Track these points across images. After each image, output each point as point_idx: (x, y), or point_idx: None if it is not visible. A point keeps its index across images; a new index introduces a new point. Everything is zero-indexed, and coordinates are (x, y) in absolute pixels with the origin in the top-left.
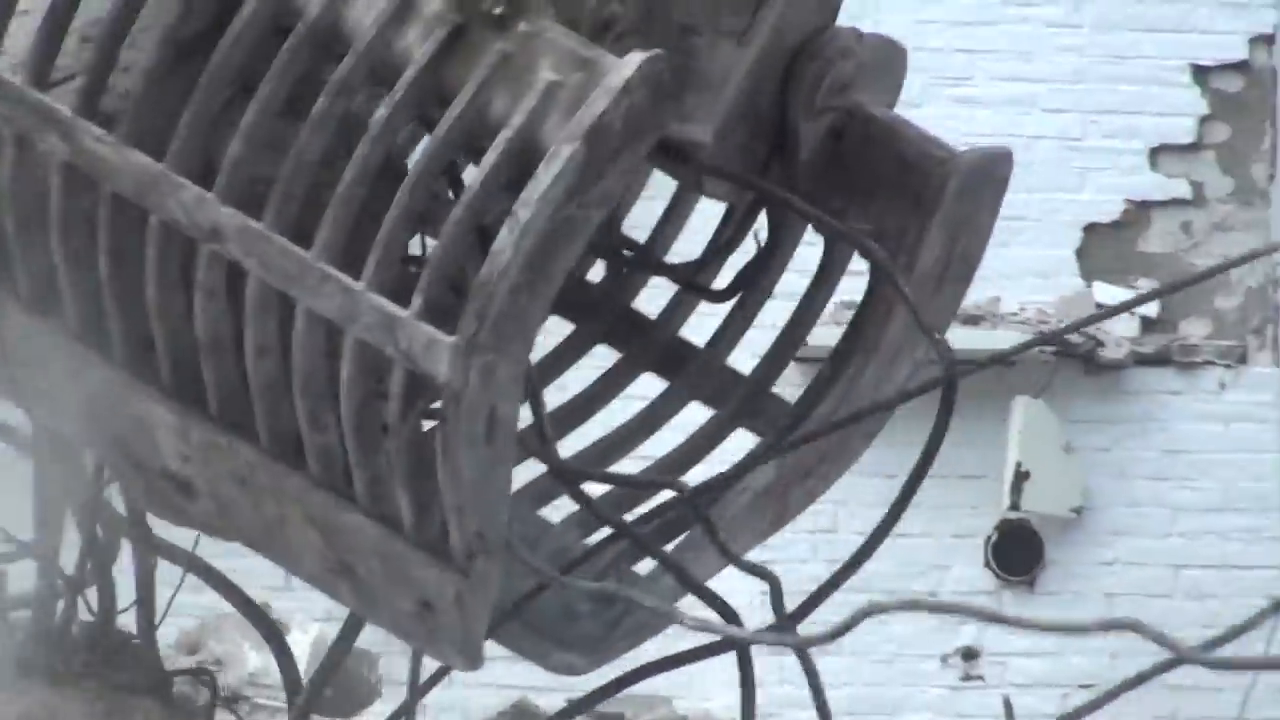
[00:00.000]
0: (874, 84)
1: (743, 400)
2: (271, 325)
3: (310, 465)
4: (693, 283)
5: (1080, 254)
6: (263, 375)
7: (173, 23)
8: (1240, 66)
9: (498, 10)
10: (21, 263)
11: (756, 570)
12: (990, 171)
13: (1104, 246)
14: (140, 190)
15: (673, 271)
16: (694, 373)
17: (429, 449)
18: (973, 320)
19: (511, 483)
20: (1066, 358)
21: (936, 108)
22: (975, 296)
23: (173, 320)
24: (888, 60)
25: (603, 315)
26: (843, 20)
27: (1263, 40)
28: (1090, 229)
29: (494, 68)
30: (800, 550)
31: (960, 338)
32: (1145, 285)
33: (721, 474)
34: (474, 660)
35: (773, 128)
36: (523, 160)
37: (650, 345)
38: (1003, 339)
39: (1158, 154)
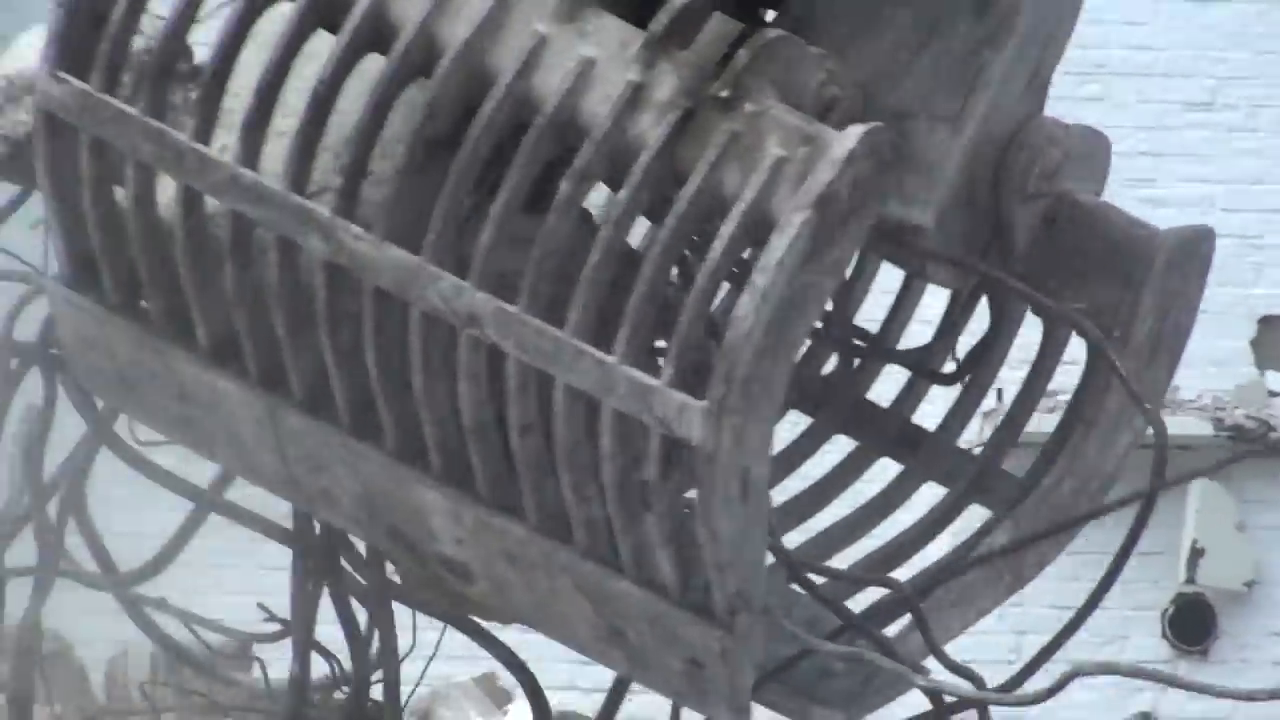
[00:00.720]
0: (1080, 172)
1: (974, 478)
2: (531, 404)
3: (577, 537)
4: (924, 368)
5: (1255, 344)
6: (527, 453)
7: (419, 125)
8: None
9: (725, 94)
10: (294, 365)
11: (960, 670)
12: (1195, 247)
13: (1277, 337)
14: (400, 283)
15: (904, 357)
16: (927, 454)
17: (688, 513)
18: None
19: (766, 543)
20: (1241, 440)
21: (1123, 207)
22: None
23: (438, 406)
24: (1092, 150)
25: (838, 406)
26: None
27: None
28: (1265, 321)
29: (724, 147)
30: (988, 621)
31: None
32: None
33: (936, 565)
34: (743, 713)
35: (989, 215)
36: (756, 232)
37: (885, 431)
38: (1181, 423)
39: None
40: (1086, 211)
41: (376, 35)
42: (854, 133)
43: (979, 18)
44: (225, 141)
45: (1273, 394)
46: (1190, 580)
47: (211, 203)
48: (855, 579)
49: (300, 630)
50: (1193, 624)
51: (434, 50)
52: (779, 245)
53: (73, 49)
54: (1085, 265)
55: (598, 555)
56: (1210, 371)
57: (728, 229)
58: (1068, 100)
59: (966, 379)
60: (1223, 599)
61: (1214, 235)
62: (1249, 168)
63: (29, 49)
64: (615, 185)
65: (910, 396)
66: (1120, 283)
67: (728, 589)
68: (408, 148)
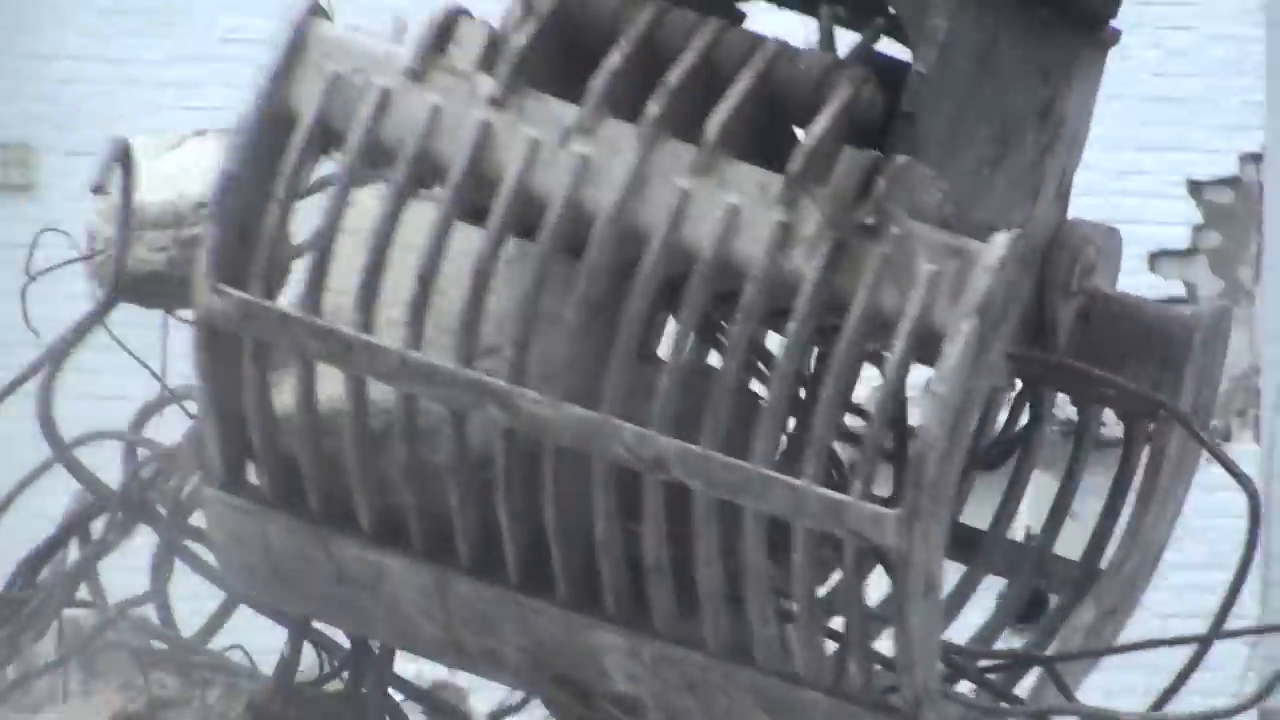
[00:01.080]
0: (1104, 268)
1: (1034, 566)
2: (716, 537)
3: (759, 657)
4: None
5: None
6: (710, 583)
7: (583, 289)
8: (1231, 181)
9: (870, 220)
10: (462, 533)
11: (1099, 715)
12: (1222, 326)
13: None
14: (583, 438)
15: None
16: (986, 550)
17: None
18: None
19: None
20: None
21: None
22: None
23: (616, 550)
24: (1114, 246)
25: None
26: None
27: (1251, 158)
28: None
29: (879, 270)
30: None
31: None
32: None
33: (1070, 651)
34: None
35: (1034, 314)
36: (922, 346)
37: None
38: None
39: (1156, 259)
40: (1118, 303)
41: (524, 209)
42: (1001, 240)
43: (1042, 126)
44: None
45: None
46: None
47: (374, 390)
48: (1012, 657)
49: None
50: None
51: (582, 218)
52: (952, 353)
53: (229, 262)
54: (1123, 353)
55: (778, 671)
56: None
57: (900, 344)
58: None
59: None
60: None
61: (1229, 311)
62: (1081, 180)
63: (146, 175)
64: (772, 324)
65: (957, 499)
66: (1158, 365)
67: (917, 684)
68: (574, 311)
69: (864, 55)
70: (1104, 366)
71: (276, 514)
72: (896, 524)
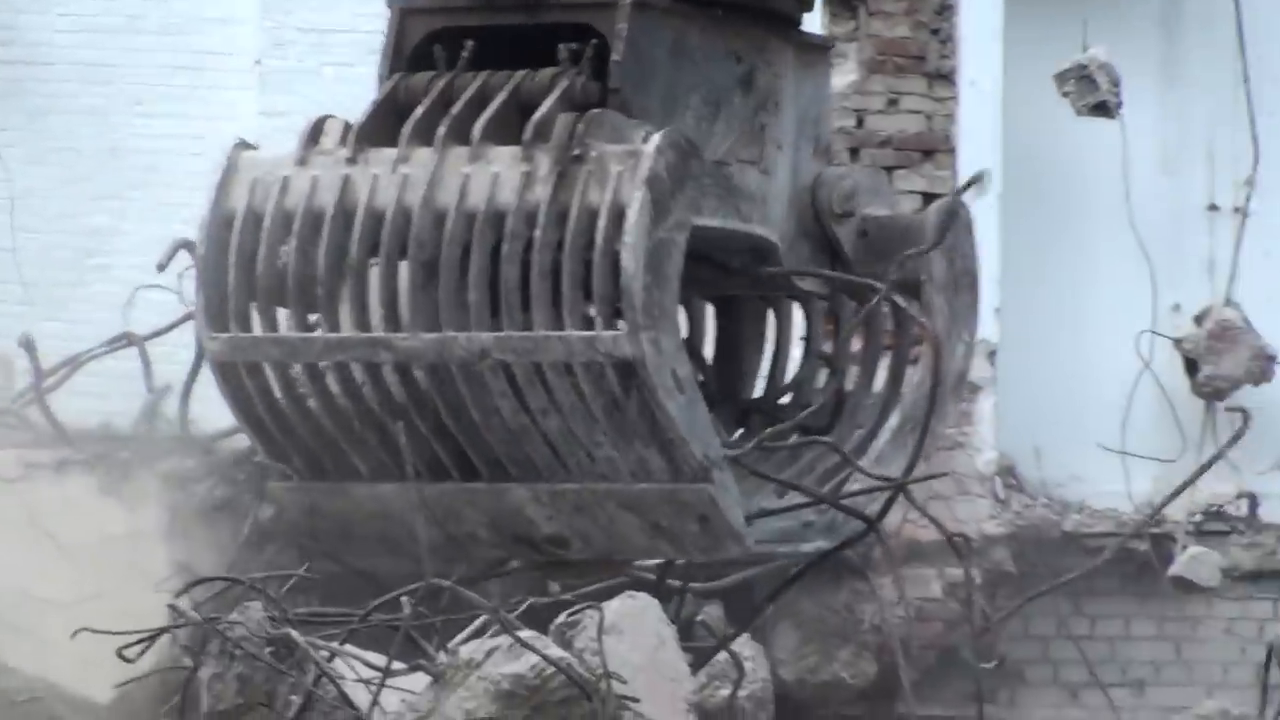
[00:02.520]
0: (874, 199)
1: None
2: (541, 393)
3: (605, 471)
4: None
5: None
6: (552, 429)
7: (415, 255)
8: None
9: (577, 153)
10: (409, 452)
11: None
12: (954, 210)
13: None
14: (436, 351)
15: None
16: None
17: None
18: None
19: (710, 421)
20: None
21: None
22: None
23: (497, 430)
24: (876, 182)
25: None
26: None
27: None
28: None
29: (586, 181)
30: None
31: None
32: None
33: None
34: (743, 541)
35: (825, 242)
36: (621, 220)
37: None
38: None
39: None
40: (884, 220)
41: (376, 222)
42: (655, 137)
43: (747, 92)
44: None
45: None
46: None
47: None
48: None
49: None
50: None
51: (409, 212)
52: (631, 214)
53: (217, 314)
54: (893, 251)
55: (622, 477)
56: None
57: (602, 221)
58: None
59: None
60: None
61: (965, 204)
62: None
63: None
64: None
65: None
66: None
67: (696, 455)
68: (412, 273)
69: (587, 62)
70: (884, 265)
71: (314, 485)
72: (628, 338)
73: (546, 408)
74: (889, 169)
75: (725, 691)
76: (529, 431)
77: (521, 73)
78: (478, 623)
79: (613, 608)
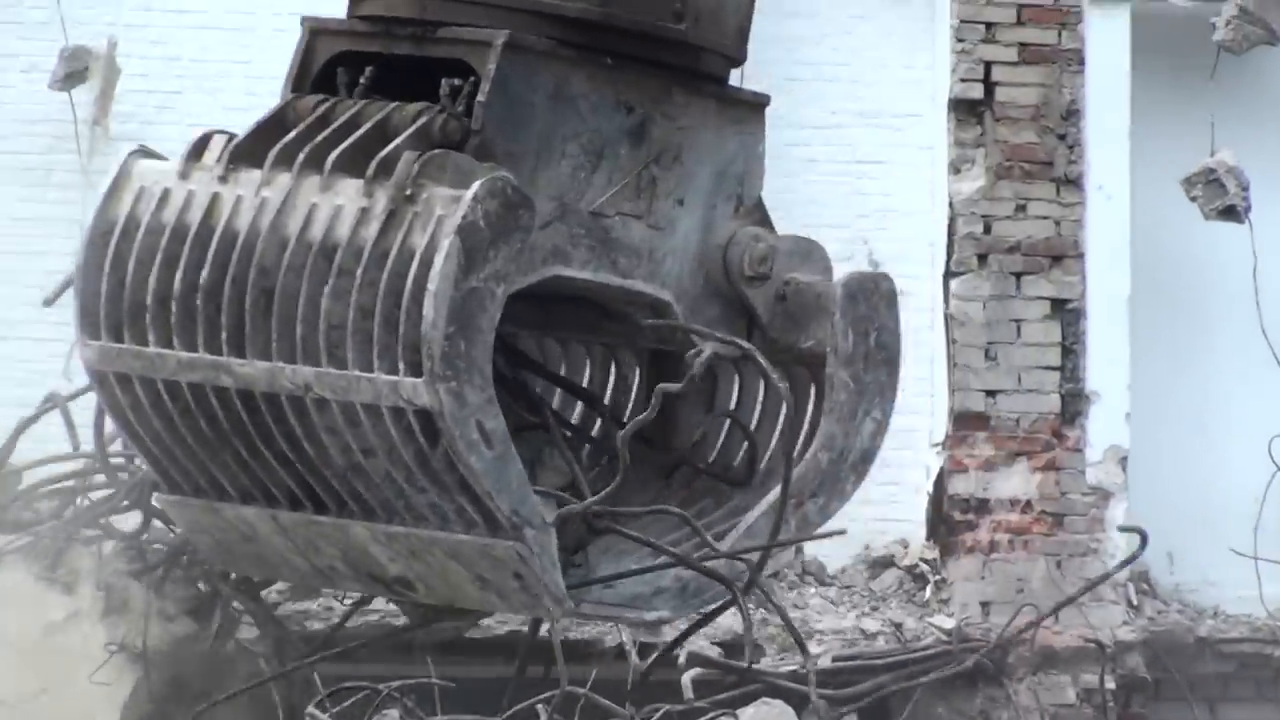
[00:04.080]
0: (801, 264)
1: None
2: (367, 433)
3: (435, 518)
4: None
5: None
6: (374, 470)
7: (254, 281)
8: None
9: (409, 192)
10: (269, 480)
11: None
12: (871, 284)
13: None
14: (267, 381)
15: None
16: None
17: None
18: None
19: (526, 475)
20: None
21: None
22: None
23: (329, 464)
24: (808, 249)
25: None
26: None
27: None
28: None
29: (410, 222)
30: None
31: None
32: None
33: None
34: (561, 603)
35: (737, 304)
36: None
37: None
38: None
39: None
40: (805, 286)
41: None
42: (474, 185)
43: (637, 143)
44: None
45: None
46: None
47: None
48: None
49: None
50: None
51: (260, 235)
52: (438, 261)
53: (91, 322)
54: (807, 319)
55: (449, 526)
56: None
57: (414, 265)
58: None
59: None
60: None
61: (888, 277)
62: None
63: None
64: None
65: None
66: (823, 320)
67: (505, 512)
68: (251, 300)
69: (463, 99)
70: (797, 334)
71: (191, 500)
72: (426, 387)
73: (369, 448)
74: (1017, 275)
75: None
76: (360, 469)
77: (393, 105)
78: None
79: (748, 715)
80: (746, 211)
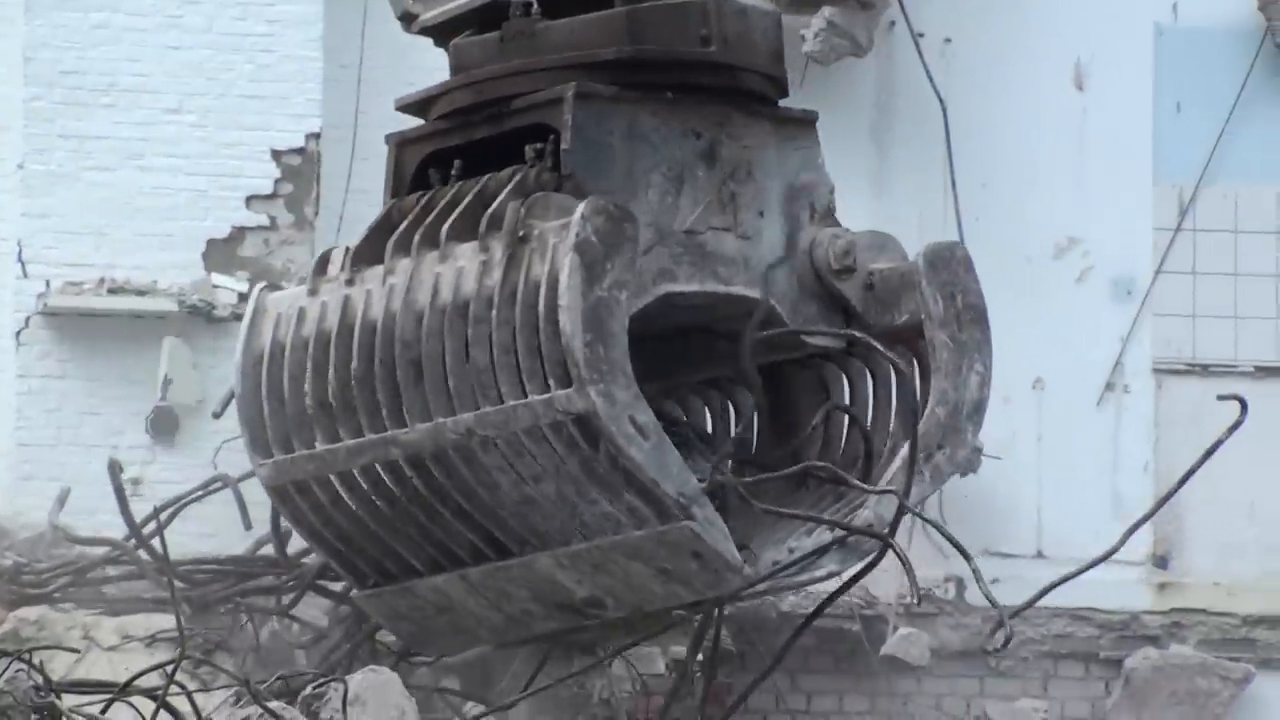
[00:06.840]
0: (880, 255)
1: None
2: (531, 459)
3: (609, 526)
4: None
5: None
6: (547, 491)
7: (401, 354)
8: (300, 150)
9: (521, 234)
10: (452, 541)
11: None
12: (948, 252)
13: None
14: (433, 439)
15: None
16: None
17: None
18: None
19: (682, 463)
20: None
21: None
22: None
23: (502, 503)
24: (882, 241)
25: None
26: None
27: (314, 136)
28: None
29: (530, 257)
30: None
31: None
32: None
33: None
34: (740, 571)
35: (834, 300)
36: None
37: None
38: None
39: (251, 200)
40: (889, 271)
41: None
42: (580, 206)
43: (710, 167)
44: None
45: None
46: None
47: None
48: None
49: None
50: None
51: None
52: (563, 278)
53: (259, 443)
54: (896, 298)
55: (623, 529)
56: None
57: (543, 290)
58: None
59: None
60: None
61: (961, 244)
62: None
63: None
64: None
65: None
66: (914, 294)
67: (672, 495)
68: (402, 373)
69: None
70: (892, 309)
71: (385, 589)
72: (578, 394)
73: (538, 473)
74: None
75: None
76: (532, 500)
77: (487, 176)
78: (229, 694)
79: (356, 680)
80: (821, 218)
